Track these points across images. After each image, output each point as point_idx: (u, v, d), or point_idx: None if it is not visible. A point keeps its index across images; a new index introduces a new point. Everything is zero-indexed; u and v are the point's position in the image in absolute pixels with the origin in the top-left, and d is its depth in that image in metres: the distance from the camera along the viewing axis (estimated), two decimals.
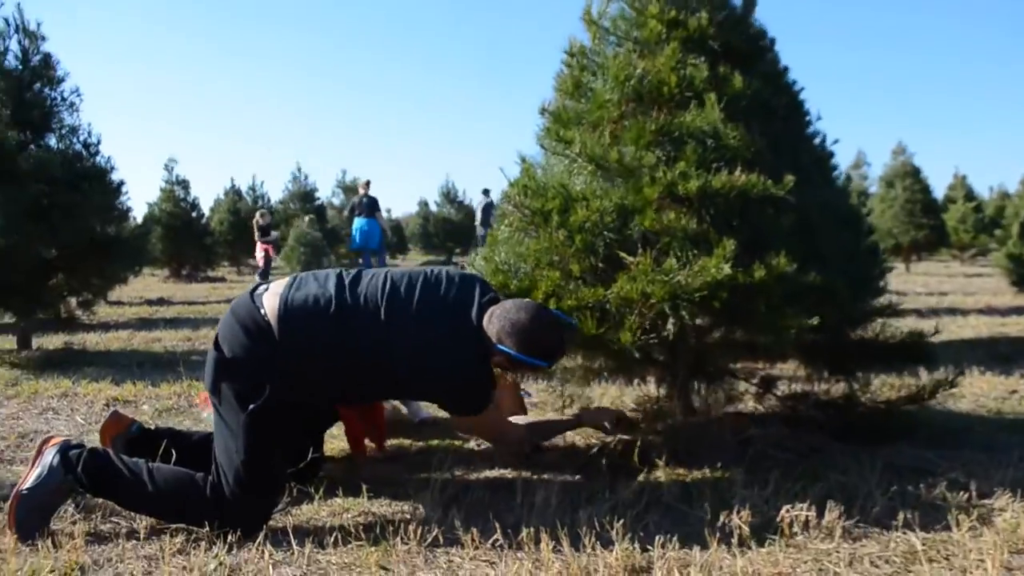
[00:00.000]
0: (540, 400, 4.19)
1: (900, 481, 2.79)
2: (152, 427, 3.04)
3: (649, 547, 2.28)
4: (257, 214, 15.20)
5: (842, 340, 3.37)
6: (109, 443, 2.87)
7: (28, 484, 2.49)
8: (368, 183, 14.50)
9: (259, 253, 14.79)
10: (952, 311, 8.57)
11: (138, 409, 4.32)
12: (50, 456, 2.54)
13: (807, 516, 2.40)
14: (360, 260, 14.79)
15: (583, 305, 2.83)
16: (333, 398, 2.82)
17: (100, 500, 2.67)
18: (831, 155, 5.14)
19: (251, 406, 2.50)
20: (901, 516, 2.41)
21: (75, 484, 2.53)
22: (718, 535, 2.30)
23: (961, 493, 2.62)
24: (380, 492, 2.84)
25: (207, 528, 2.45)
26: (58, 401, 4.52)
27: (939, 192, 19.74)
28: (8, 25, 6.29)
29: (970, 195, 22.04)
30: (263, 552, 2.32)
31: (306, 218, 16.23)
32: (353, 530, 2.44)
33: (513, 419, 2.97)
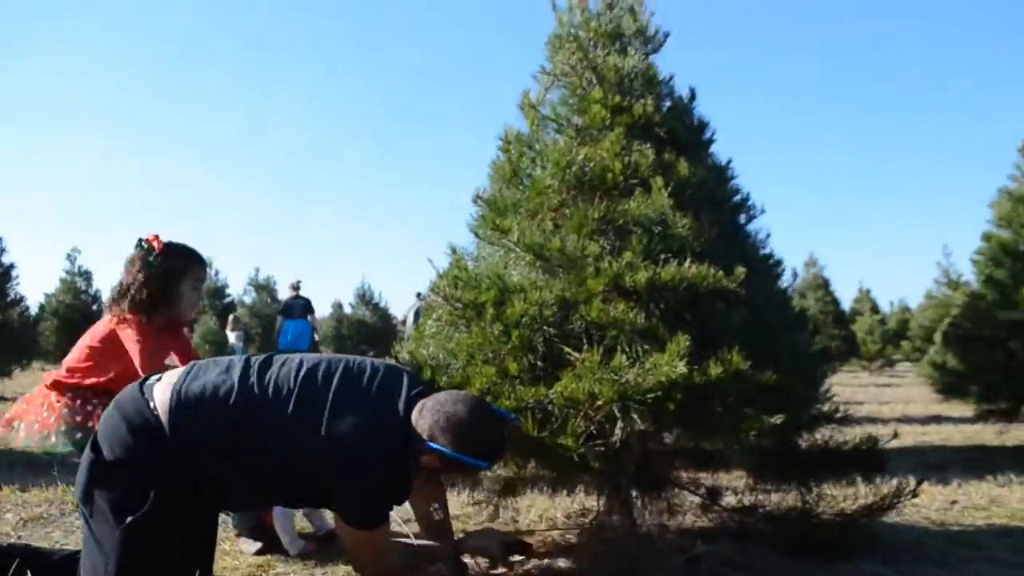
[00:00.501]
0: (461, 512, 3.82)
1: None
2: (4, 543, 2.56)
3: None
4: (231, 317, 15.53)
5: (792, 447, 3.16)
6: None
7: None
8: (299, 284, 14.24)
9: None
10: (872, 419, 8.57)
11: (1, 518, 3.77)
12: None
13: None
14: None
15: (523, 406, 2.55)
16: (228, 505, 2.42)
17: None
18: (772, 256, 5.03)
19: (129, 518, 2.09)
20: None
21: None
22: None
23: None
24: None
25: None
26: None
27: (845, 305, 20.40)
28: None
29: (875, 308, 22.83)
30: None
31: (232, 334, 15.53)
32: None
33: (393, 541, 2.52)
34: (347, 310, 25.86)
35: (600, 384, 2.48)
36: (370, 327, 24.19)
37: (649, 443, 3.00)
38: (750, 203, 3.48)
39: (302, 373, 2.26)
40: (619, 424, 2.50)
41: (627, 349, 2.58)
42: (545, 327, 2.71)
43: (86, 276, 16.95)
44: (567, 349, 2.64)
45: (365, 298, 25.51)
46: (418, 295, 15.69)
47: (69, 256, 17.00)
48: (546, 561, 2.72)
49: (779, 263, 3.74)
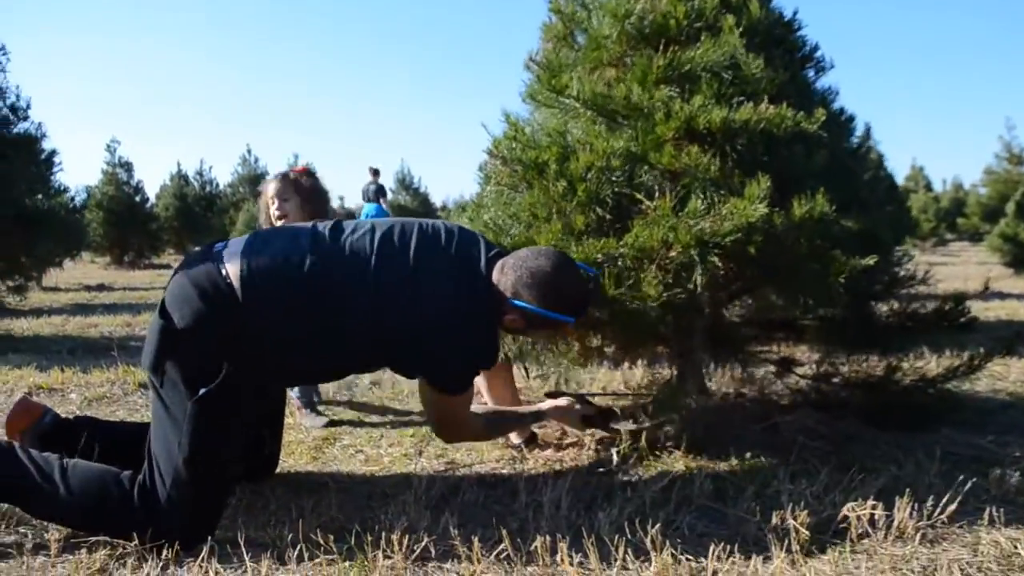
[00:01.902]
0: (524, 385, 3.73)
1: (964, 472, 2.38)
2: (70, 417, 2.50)
3: (691, 557, 1.84)
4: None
5: (871, 312, 2.99)
6: (18, 437, 2.34)
7: None
8: (377, 171, 15.04)
9: None
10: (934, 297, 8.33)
11: (65, 398, 3.77)
12: None
13: (873, 515, 1.98)
14: None
15: (592, 261, 2.38)
16: (304, 377, 2.34)
17: (4, 506, 2.15)
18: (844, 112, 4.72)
19: (202, 390, 1.98)
20: (987, 513, 2.01)
21: None
22: (773, 540, 1.87)
23: None
24: (351, 492, 2.37)
25: (136, 541, 1.95)
26: None
27: (899, 181, 19.74)
28: None
29: (928, 186, 22.11)
30: (207, 570, 1.84)
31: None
32: (321, 541, 1.94)
33: (473, 408, 2.44)
34: (388, 196, 25.72)
35: (675, 231, 2.30)
36: (411, 212, 24.01)
37: (722, 308, 2.84)
38: (819, 55, 3.20)
39: (377, 237, 2.11)
40: (697, 273, 2.31)
41: (702, 196, 2.40)
42: (613, 179, 2.52)
43: (127, 167, 16.90)
44: (639, 195, 2.45)
45: (405, 183, 25.31)
46: (374, 172, 15.70)
47: (108, 147, 16.92)
48: (623, 425, 2.60)
49: (851, 119, 3.49)
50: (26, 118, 6.06)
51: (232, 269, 2.03)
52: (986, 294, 8.38)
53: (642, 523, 1.98)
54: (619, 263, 2.39)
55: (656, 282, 2.30)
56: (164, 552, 1.91)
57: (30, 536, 2.06)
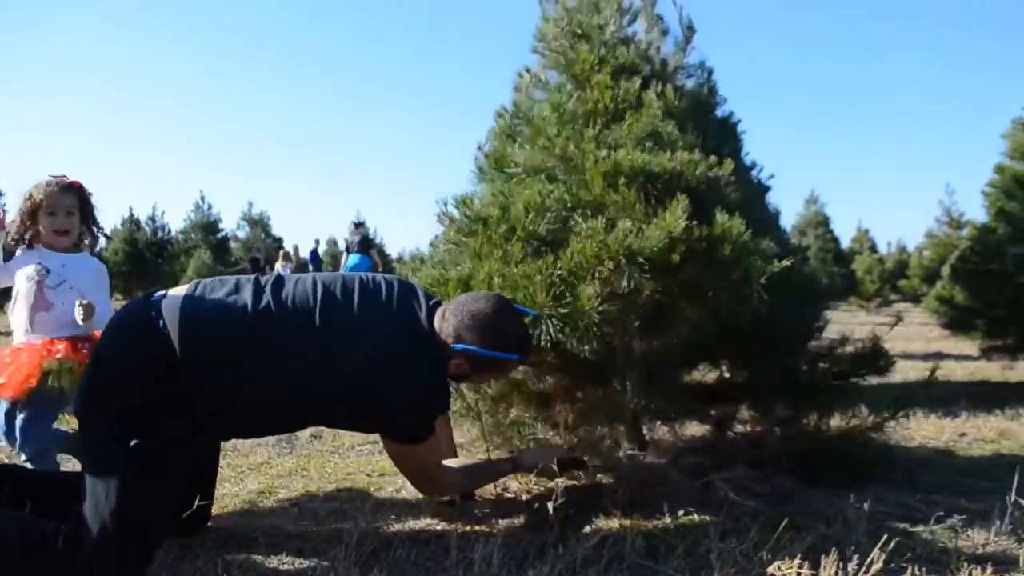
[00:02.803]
0: (464, 440, 3.71)
1: (891, 531, 2.42)
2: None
3: None
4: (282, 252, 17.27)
5: (798, 374, 3.09)
6: None
7: None
8: (361, 223, 16.06)
9: None
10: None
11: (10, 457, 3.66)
12: None
13: (799, 574, 2.01)
14: None
15: (530, 275, 2.48)
16: (242, 431, 2.30)
17: None
18: (768, 189, 4.96)
19: (133, 440, 1.95)
20: (909, 573, 2.04)
21: None
22: None
23: (963, 542, 2.29)
24: (281, 547, 2.33)
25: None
26: None
27: (844, 243, 20.25)
28: None
29: (873, 247, 22.66)
30: None
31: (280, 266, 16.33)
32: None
33: (446, 462, 2.49)
34: (341, 245, 25.63)
35: (606, 245, 2.46)
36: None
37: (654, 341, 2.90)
38: (740, 130, 3.51)
39: (320, 289, 2.13)
40: (625, 279, 2.45)
41: (630, 225, 2.54)
42: (548, 217, 2.69)
43: None
44: (577, 218, 2.64)
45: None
46: (357, 224, 16.21)
47: None
48: (557, 482, 2.61)
49: (767, 189, 3.78)
50: None
51: (170, 319, 2.02)
52: (925, 356, 8.63)
53: None
54: (556, 280, 2.48)
55: (592, 292, 2.44)
56: None
57: None
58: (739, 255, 2.53)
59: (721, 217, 2.55)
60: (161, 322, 2.01)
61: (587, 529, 2.47)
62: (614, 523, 2.54)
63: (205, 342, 2.01)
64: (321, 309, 2.08)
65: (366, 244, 15.53)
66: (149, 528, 2.04)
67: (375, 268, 15.13)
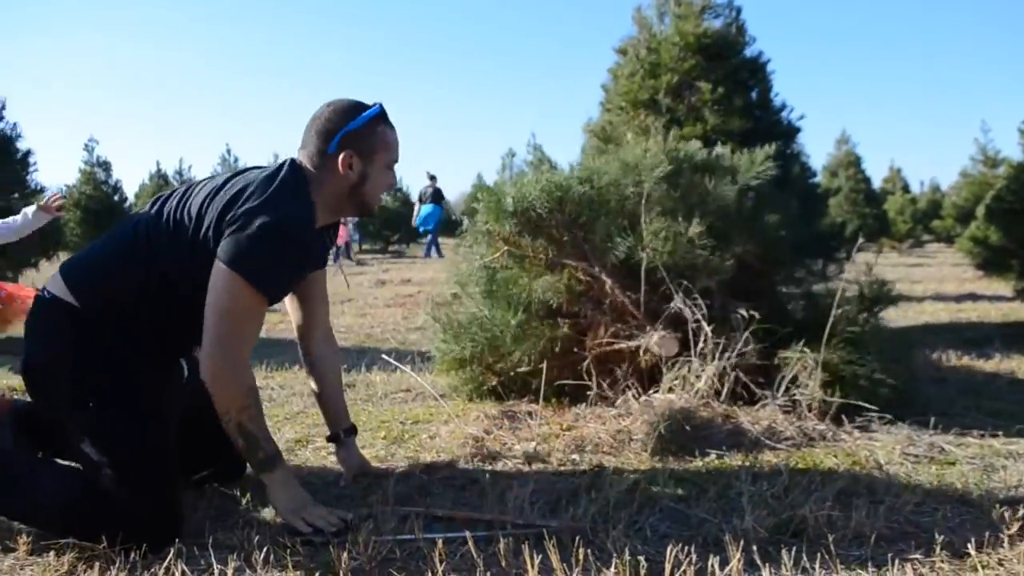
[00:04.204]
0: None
1: (922, 472, 2.44)
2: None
3: (651, 557, 1.87)
4: None
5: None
6: None
7: None
8: (434, 176, 16.79)
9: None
10: (906, 298, 8.43)
11: None
12: None
13: (831, 516, 2.03)
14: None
15: None
16: (175, 350, 2.30)
17: None
18: (798, 131, 4.91)
19: (90, 402, 2.05)
20: (940, 515, 2.06)
21: None
22: (731, 541, 1.91)
23: (995, 483, 2.30)
24: (320, 493, 2.38)
25: (104, 544, 1.96)
26: None
27: (876, 184, 19.90)
28: None
29: (906, 187, 22.30)
30: (173, 572, 1.85)
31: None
32: (288, 544, 1.97)
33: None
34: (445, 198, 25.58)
35: None
36: (391, 211, 23.92)
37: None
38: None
39: (178, 195, 2.20)
40: None
41: None
42: None
43: (105, 167, 16.76)
44: None
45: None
46: (431, 177, 16.65)
47: (87, 147, 16.79)
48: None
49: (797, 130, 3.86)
50: (0, 118, 6.04)
51: (56, 284, 2.14)
52: (958, 297, 8.54)
53: (605, 524, 2.03)
54: None
55: None
56: (132, 554, 1.92)
57: None
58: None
59: None
60: (47, 292, 2.14)
61: (619, 474, 2.50)
62: (644, 466, 2.57)
63: (90, 285, 2.12)
64: (183, 202, 2.14)
65: (438, 195, 16.29)
66: (161, 470, 2.08)
67: (447, 217, 15.70)
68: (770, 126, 5.56)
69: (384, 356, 3.73)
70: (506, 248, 3.28)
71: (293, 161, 2.18)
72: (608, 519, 2.08)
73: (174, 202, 2.15)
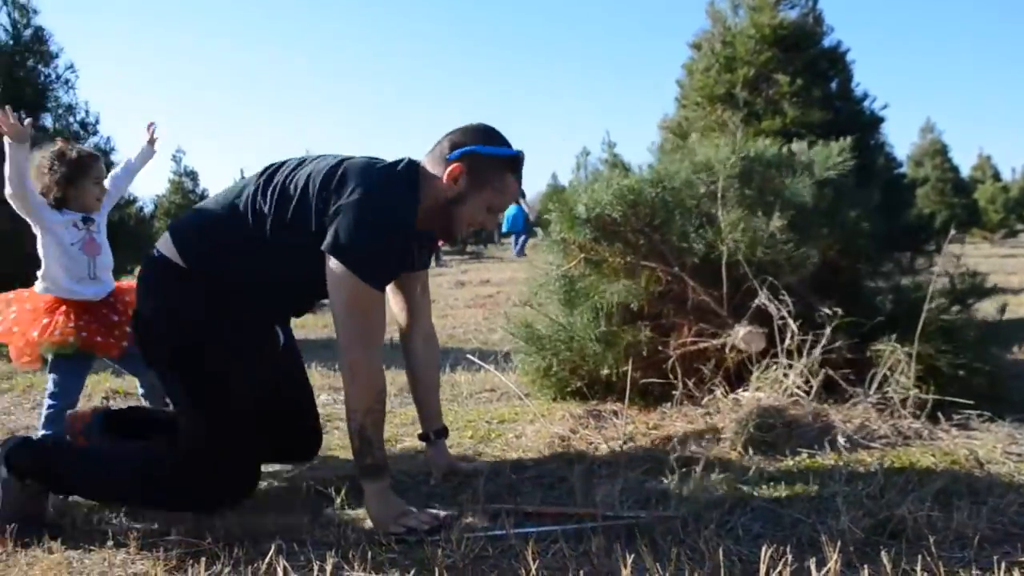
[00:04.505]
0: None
1: None
2: (123, 407, 2.68)
3: (745, 558, 1.86)
4: None
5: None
6: (80, 439, 2.50)
7: None
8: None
9: None
10: (1001, 290, 8.10)
11: (140, 401, 3.92)
12: (5, 479, 2.20)
13: (931, 517, 1.98)
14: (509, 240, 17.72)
15: None
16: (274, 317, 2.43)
17: (86, 505, 2.33)
18: (881, 120, 4.82)
19: (191, 360, 2.19)
20: None
21: (37, 486, 2.21)
22: (827, 542, 1.88)
23: None
24: (407, 492, 2.43)
25: (183, 505, 2.17)
26: None
27: (964, 172, 19.18)
28: None
29: (997, 175, 21.43)
30: (275, 569, 1.92)
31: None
32: (383, 541, 2.03)
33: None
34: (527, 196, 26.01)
35: None
36: None
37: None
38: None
39: (289, 167, 2.26)
40: None
41: None
42: None
43: (192, 176, 17.41)
44: None
45: None
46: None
47: (175, 157, 17.44)
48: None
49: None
50: (95, 132, 6.33)
51: (162, 244, 2.25)
52: None
53: (696, 523, 2.02)
54: None
55: None
56: (236, 550, 2.00)
57: (110, 532, 2.16)
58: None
59: None
60: (155, 251, 2.25)
61: (710, 473, 2.49)
62: (734, 465, 2.55)
63: (197, 249, 2.22)
64: (290, 179, 2.20)
65: (521, 195, 16.30)
66: (237, 426, 2.19)
67: (527, 217, 16.03)
68: (851, 117, 5.43)
69: (469, 356, 3.78)
70: (582, 256, 3.28)
71: (411, 161, 2.24)
72: (699, 518, 2.07)
73: (283, 175, 2.21)
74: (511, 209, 16.85)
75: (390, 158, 2.28)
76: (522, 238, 17.50)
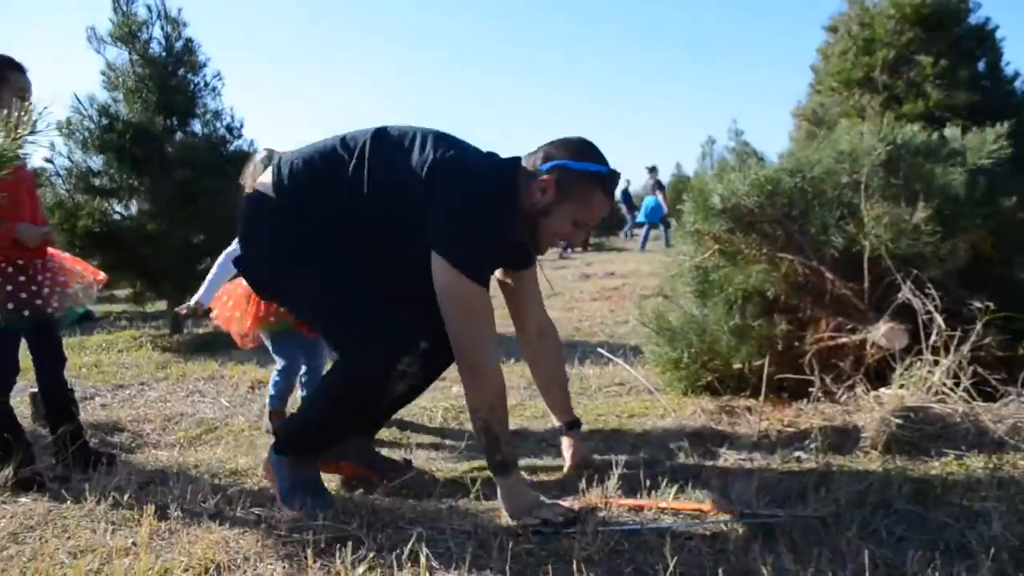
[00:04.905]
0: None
1: None
2: None
3: (889, 561, 1.81)
4: None
5: None
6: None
7: (281, 492, 2.38)
8: (654, 168, 17.07)
9: None
10: None
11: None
12: (276, 471, 2.41)
13: None
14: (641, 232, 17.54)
15: None
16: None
17: (239, 489, 2.48)
18: None
19: (303, 269, 2.31)
20: None
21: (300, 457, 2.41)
22: (978, 548, 1.80)
23: None
24: (543, 485, 2.48)
25: (356, 396, 2.29)
26: (204, 384, 4.43)
27: None
28: (151, 12, 6.32)
29: None
30: (418, 555, 1.99)
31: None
32: (519, 531, 2.08)
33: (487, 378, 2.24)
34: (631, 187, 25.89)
35: None
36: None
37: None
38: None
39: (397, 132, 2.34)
40: None
41: None
42: None
43: None
44: None
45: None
46: (651, 169, 16.96)
47: None
48: None
49: None
50: (240, 136, 6.68)
51: (261, 184, 2.39)
52: None
53: (836, 524, 1.98)
54: None
55: None
56: (379, 536, 2.09)
57: (263, 516, 2.30)
58: None
59: None
60: (256, 190, 2.40)
61: (847, 473, 2.42)
62: (874, 465, 2.47)
63: (300, 181, 2.33)
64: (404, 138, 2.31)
65: (659, 186, 16.68)
66: (366, 299, 2.28)
67: (663, 209, 16.02)
68: (1002, 98, 5.13)
69: (599, 350, 3.80)
70: (716, 247, 3.24)
71: (518, 162, 2.31)
72: (840, 519, 2.03)
73: (391, 137, 2.32)
74: (649, 200, 16.85)
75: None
76: (649, 231, 17.34)
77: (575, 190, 2.23)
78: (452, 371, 4.24)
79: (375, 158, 2.27)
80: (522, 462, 2.68)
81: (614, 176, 2.27)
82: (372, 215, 2.26)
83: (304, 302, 2.41)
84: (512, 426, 3.15)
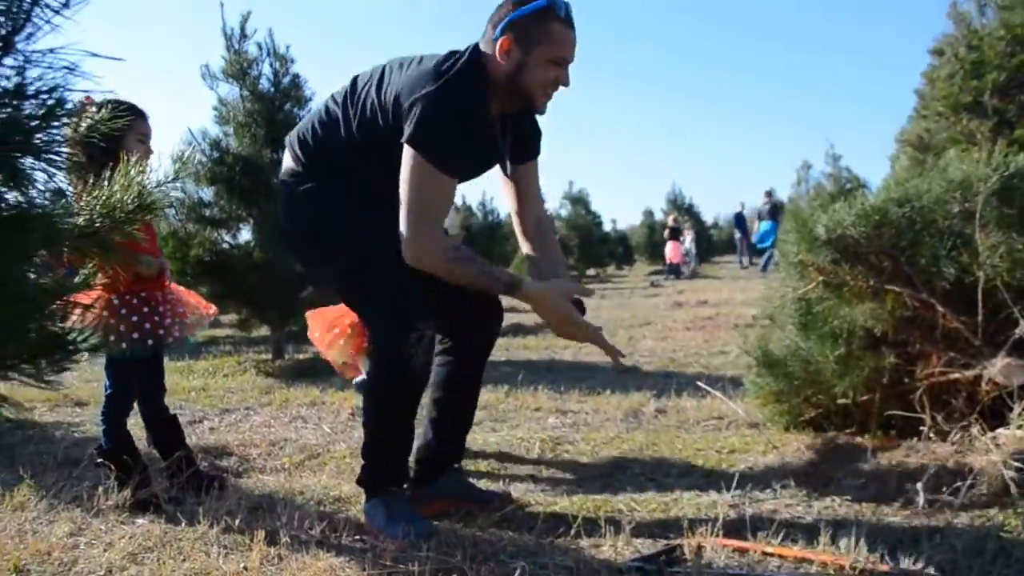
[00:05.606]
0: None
1: None
2: None
3: None
4: (669, 218, 20.40)
5: None
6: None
7: (380, 527, 2.42)
8: (770, 192, 17.69)
9: (668, 250, 19.33)
10: None
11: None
12: (371, 517, 2.48)
13: None
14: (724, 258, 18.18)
15: None
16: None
17: (344, 517, 2.55)
18: None
19: (342, 238, 2.43)
20: None
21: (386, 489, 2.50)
22: None
23: None
24: (639, 523, 2.45)
25: (395, 381, 2.36)
26: (307, 409, 4.54)
27: None
28: (261, 50, 6.60)
29: None
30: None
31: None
32: (623, 569, 2.07)
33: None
34: (658, 216, 25.82)
35: None
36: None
37: None
38: None
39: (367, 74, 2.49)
40: None
41: None
42: None
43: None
44: None
45: (676, 203, 25.26)
46: (768, 193, 17.09)
47: None
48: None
49: None
50: None
51: (284, 163, 2.57)
52: None
53: (953, 574, 1.90)
54: None
55: None
56: (481, 568, 2.11)
57: (369, 544, 2.35)
58: None
59: None
60: (279, 174, 2.61)
61: (963, 518, 2.32)
62: (993, 510, 2.36)
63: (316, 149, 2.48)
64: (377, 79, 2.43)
65: (775, 210, 16.78)
66: (389, 270, 2.32)
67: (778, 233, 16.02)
68: None
69: (697, 383, 3.75)
70: (820, 279, 3.17)
71: (475, 48, 2.36)
72: (956, 567, 1.95)
73: (366, 75, 2.47)
74: (764, 225, 16.80)
75: None
76: (769, 253, 17.22)
77: (533, 33, 2.28)
78: (547, 401, 4.32)
79: (355, 92, 2.44)
80: (621, 496, 2.68)
81: (559, 2, 2.28)
82: (375, 143, 2.37)
83: (338, 278, 2.51)
84: (610, 459, 3.17)
